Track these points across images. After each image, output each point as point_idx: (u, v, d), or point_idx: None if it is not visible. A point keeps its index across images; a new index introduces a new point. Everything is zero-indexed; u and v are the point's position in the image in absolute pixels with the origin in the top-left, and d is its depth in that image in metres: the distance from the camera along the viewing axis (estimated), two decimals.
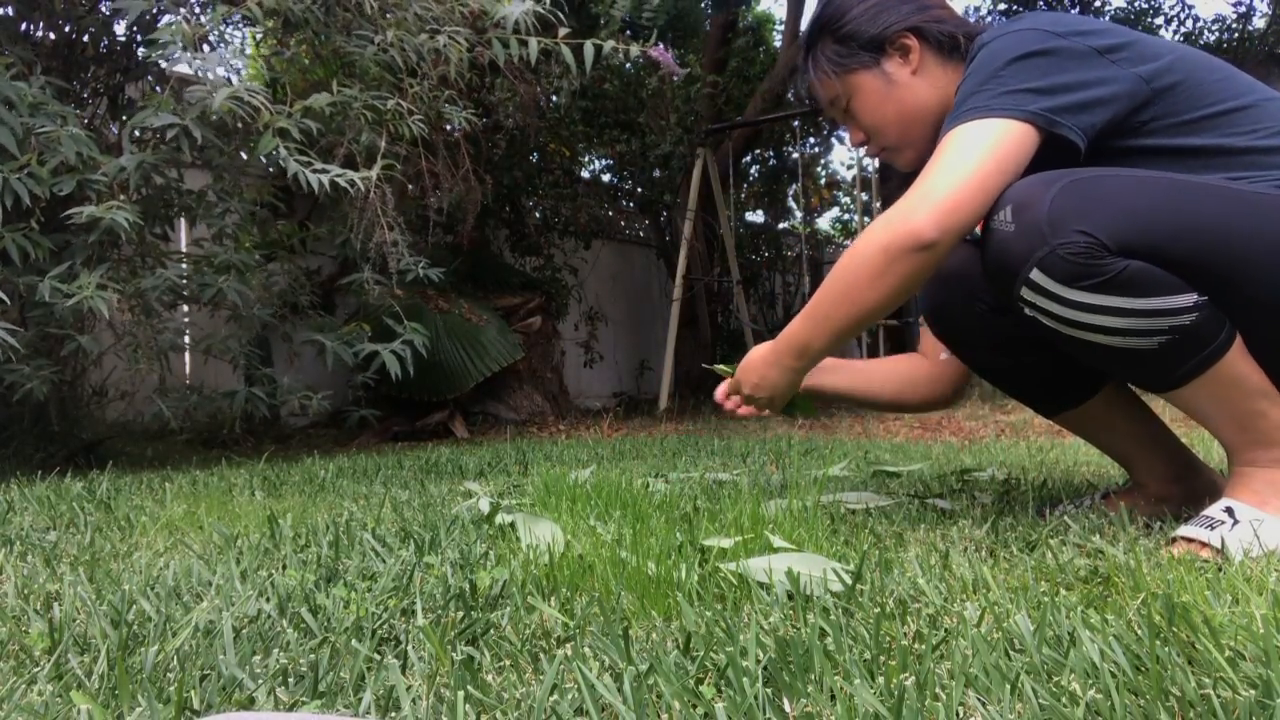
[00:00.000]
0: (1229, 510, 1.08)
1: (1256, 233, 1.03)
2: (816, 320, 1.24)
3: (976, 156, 1.09)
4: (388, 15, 3.03)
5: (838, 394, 1.57)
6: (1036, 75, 1.11)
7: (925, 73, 1.31)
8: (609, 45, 3.10)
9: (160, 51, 2.62)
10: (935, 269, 1.14)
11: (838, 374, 1.56)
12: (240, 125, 2.69)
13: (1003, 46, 1.15)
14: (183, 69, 2.70)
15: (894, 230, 1.11)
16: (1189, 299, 1.02)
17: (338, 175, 2.68)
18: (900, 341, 8.13)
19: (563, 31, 3.06)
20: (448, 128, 3.34)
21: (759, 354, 1.39)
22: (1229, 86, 1.14)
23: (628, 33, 6.14)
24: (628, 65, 3.20)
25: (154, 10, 2.79)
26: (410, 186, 3.67)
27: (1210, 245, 1.02)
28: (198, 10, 2.95)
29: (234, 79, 2.71)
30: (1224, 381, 1.06)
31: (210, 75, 2.61)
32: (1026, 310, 1.10)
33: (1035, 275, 1.05)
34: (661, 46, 3.22)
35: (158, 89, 2.96)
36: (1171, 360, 1.07)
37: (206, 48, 2.97)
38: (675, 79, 3.84)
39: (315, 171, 2.67)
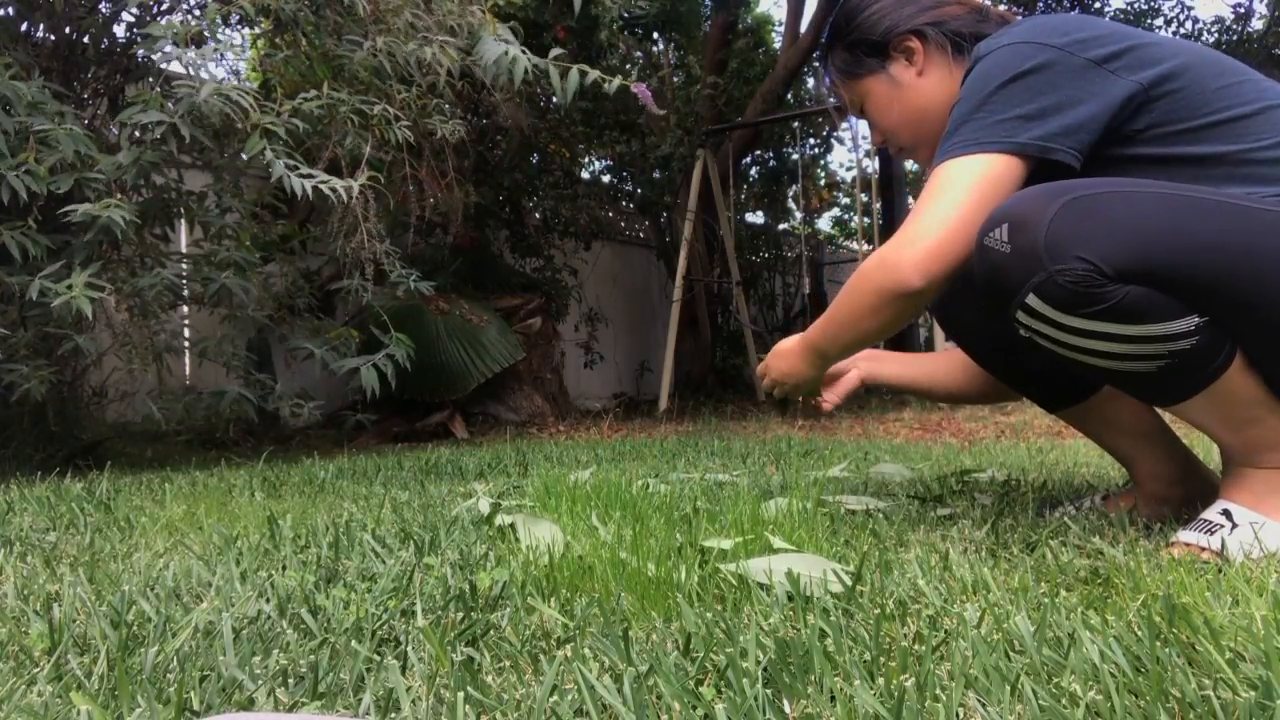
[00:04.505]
0: (1226, 513, 1.08)
1: (1257, 251, 1.00)
2: (829, 333, 1.31)
3: (960, 197, 1.10)
4: (380, 23, 3.03)
5: (900, 384, 1.62)
6: (1027, 98, 1.10)
7: (932, 72, 1.31)
8: (593, 75, 3.11)
9: (153, 45, 2.62)
10: (928, 303, 1.19)
11: (901, 365, 1.62)
12: (236, 126, 2.69)
13: (995, 64, 1.14)
14: (176, 67, 2.69)
15: (884, 278, 1.16)
16: (1188, 323, 1.00)
17: (322, 182, 2.67)
18: (899, 338, 8.14)
19: (554, 52, 3.07)
20: (437, 134, 3.34)
21: (788, 344, 1.44)
22: (1236, 92, 1.10)
23: (626, 32, 6.15)
24: (622, 74, 3.19)
25: (154, 9, 2.79)
26: (409, 189, 3.67)
27: (1210, 266, 0.99)
28: (196, 12, 2.95)
29: (233, 80, 2.71)
30: (1222, 395, 1.05)
31: (203, 73, 2.60)
32: (1022, 331, 1.09)
33: (1031, 300, 1.03)
34: (644, 86, 3.26)
35: (156, 90, 2.96)
36: (1170, 381, 1.06)
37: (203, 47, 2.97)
38: (656, 111, 3.88)
39: (301, 176, 2.67)
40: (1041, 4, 8.30)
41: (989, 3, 1.36)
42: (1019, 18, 1.30)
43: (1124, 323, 1.00)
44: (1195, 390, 1.06)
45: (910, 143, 1.38)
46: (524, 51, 3.03)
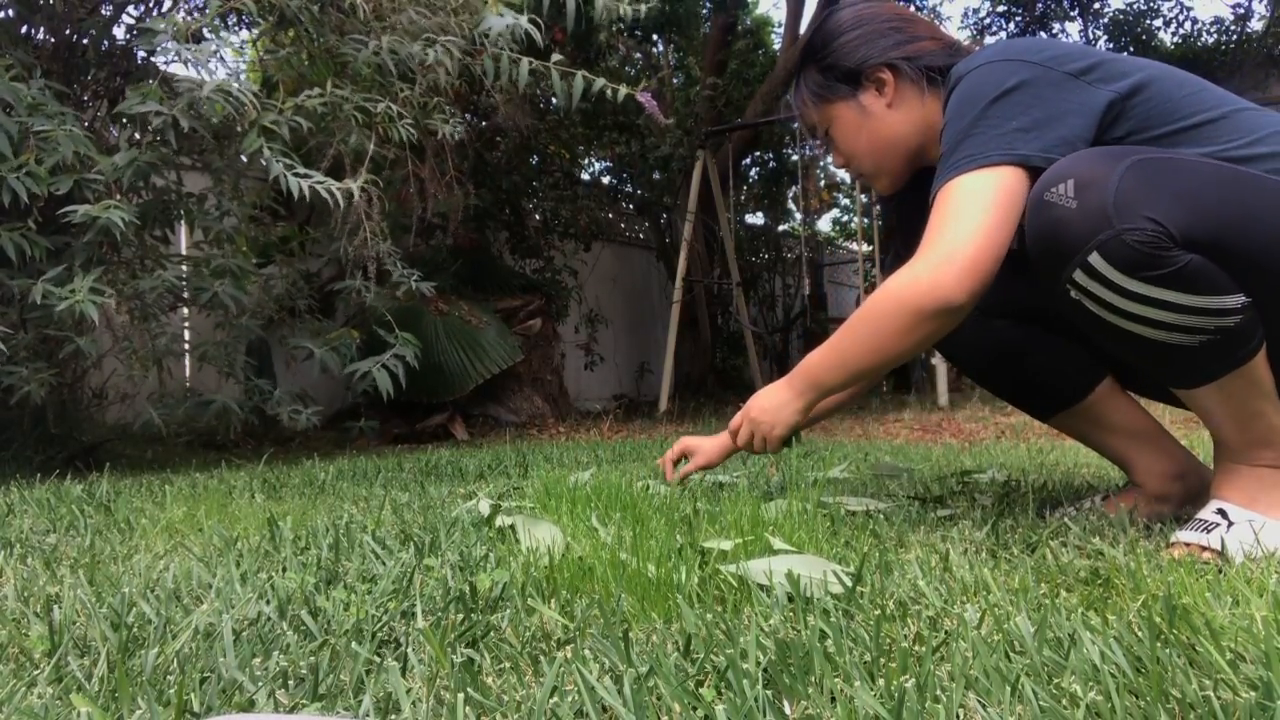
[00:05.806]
0: (1221, 512, 1.08)
1: None
2: (835, 362, 1.27)
3: (984, 212, 1.09)
4: (381, 20, 3.03)
5: (830, 410, 1.62)
6: (1019, 111, 1.11)
7: (901, 104, 1.33)
8: (599, 83, 3.12)
9: (151, 41, 2.61)
10: (965, 317, 1.15)
11: None
12: (236, 129, 2.69)
13: (979, 82, 1.15)
14: (176, 69, 2.70)
15: (924, 296, 1.13)
16: (1237, 300, 0.99)
17: (319, 183, 2.67)
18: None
19: (555, 57, 3.07)
20: (439, 134, 3.35)
21: (771, 391, 1.42)
22: (1199, 100, 1.13)
23: (625, 33, 6.15)
24: (621, 86, 3.19)
25: (155, 10, 2.79)
26: (410, 188, 3.67)
27: (1265, 242, 0.99)
28: (196, 14, 2.96)
29: (234, 82, 2.71)
30: (1243, 382, 1.05)
31: (203, 71, 2.61)
32: (1073, 293, 1.05)
33: (1094, 259, 1.00)
34: (649, 94, 3.26)
35: (153, 83, 2.96)
36: (1206, 360, 1.05)
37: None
38: (662, 121, 3.89)
39: (298, 176, 2.66)
40: (1041, 4, 8.31)
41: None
42: (986, 46, 1.31)
43: (1182, 291, 0.98)
44: (1225, 371, 1.05)
45: (871, 170, 1.40)
46: (532, 21, 3.02)
